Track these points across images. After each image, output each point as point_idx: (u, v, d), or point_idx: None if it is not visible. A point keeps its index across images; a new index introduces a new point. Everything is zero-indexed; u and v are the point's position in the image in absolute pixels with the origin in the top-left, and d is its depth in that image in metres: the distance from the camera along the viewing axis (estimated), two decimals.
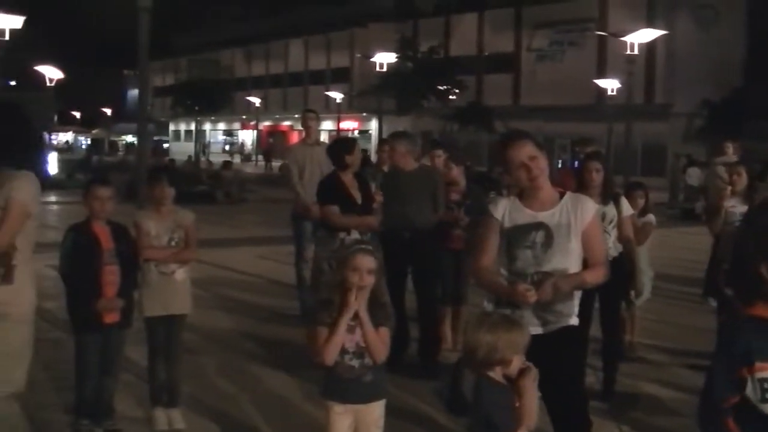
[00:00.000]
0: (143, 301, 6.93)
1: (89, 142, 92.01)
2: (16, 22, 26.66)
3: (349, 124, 69.92)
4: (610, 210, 7.86)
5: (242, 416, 7.37)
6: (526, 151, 5.03)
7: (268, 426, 7.10)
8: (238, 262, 15.75)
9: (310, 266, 10.87)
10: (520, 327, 4.47)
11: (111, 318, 6.59)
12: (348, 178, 8.94)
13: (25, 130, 5.50)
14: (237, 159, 66.64)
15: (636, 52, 32.36)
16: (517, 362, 4.41)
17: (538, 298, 4.81)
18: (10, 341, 5.23)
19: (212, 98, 68.97)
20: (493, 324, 4.41)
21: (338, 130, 61.52)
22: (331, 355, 4.94)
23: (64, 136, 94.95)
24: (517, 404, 4.40)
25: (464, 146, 44.22)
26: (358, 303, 4.91)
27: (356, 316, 4.93)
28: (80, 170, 42.02)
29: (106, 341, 6.70)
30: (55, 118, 68.40)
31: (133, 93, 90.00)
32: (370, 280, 4.95)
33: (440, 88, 55.37)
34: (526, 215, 5.08)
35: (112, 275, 6.57)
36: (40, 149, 5.19)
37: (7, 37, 26.36)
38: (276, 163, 53.46)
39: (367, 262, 4.96)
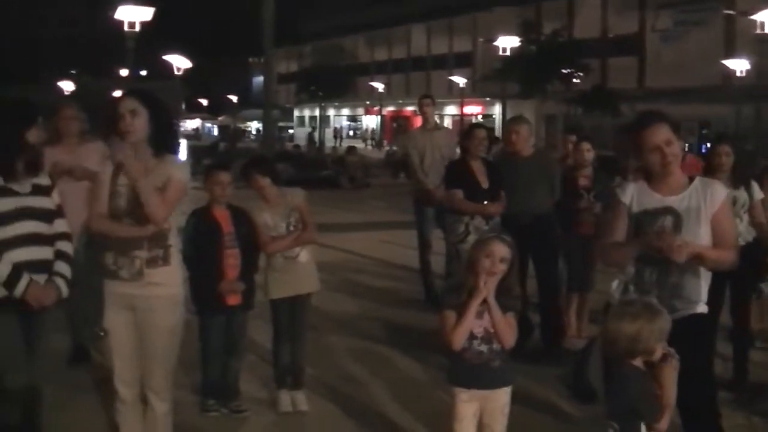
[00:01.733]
0: (268, 283, 7.03)
1: (217, 128, 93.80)
2: (146, 14, 27.37)
3: (473, 109, 69.47)
4: (741, 194, 7.65)
5: (366, 399, 7.41)
6: (662, 134, 4.90)
7: (391, 410, 7.11)
8: (361, 247, 15.85)
9: (433, 251, 10.89)
10: (661, 314, 4.37)
11: (233, 300, 6.77)
12: (476, 164, 8.91)
13: (171, 118, 5.69)
14: (367, 145, 66.81)
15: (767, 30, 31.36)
16: (660, 350, 4.35)
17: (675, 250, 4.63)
18: (171, 321, 5.40)
19: (336, 84, 69.49)
20: (636, 314, 4.33)
21: (461, 115, 61.23)
22: (459, 340, 4.93)
23: (192, 124, 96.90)
24: (658, 391, 4.34)
25: (589, 130, 43.54)
26: (488, 289, 4.89)
27: (485, 302, 4.91)
28: (208, 156, 42.93)
29: (230, 323, 6.88)
30: (183, 105, 69.89)
31: (259, 80, 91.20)
32: (501, 268, 4.93)
33: (564, 71, 54.56)
34: (654, 200, 4.97)
35: (233, 258, 6.74)
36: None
37: (137, 29, 27.06)
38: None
39: (502, 250, 4.95)
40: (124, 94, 5.39)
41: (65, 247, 5.31)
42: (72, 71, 72.40)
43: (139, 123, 5.22)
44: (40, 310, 5.16)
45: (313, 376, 7.66)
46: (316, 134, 72.21)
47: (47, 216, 5.26)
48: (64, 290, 5.23)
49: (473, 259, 5.00)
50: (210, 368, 6.92)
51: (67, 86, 63.63)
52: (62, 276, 5.23)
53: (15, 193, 5.16)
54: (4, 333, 5.14)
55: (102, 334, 5.45)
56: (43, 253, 5.20)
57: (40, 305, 5.11)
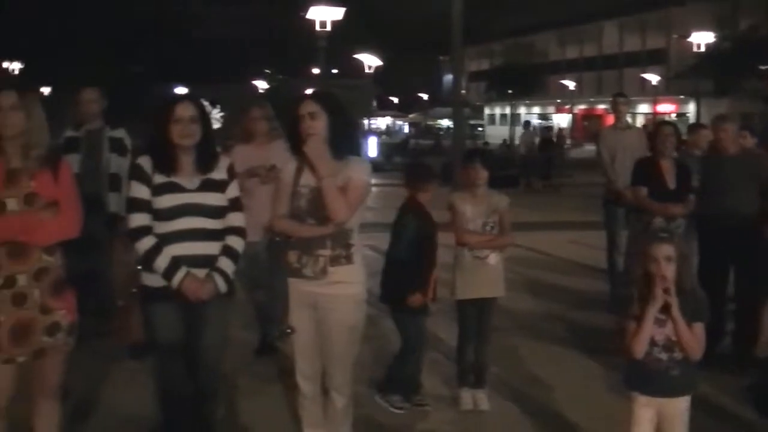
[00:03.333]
0: (456, 283, 7.06)
1: (407, 126, 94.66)
2: (336, 13, 27.88)
3: (666, 108, 67.77)
4: None
5: (546, 401, 7.33)
6: None
7: (571, 412, 7.01)
8: (549, 246, 15.69)
9: (622, 252, 10.65)
10: None
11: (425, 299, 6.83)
12: (666, 163, 8.68)
13: (350, 120, 5.76)
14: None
15: None
16: None
17: None
18: (353, 318, 5.48)
19: (526, 82, 69.05)
20: None
21: (654, 114, 59.85)
22: (639, 349, 4.80)
23: (383, 121, 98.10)
24: None
25: None
26: (664, 295, 4.72)
27: (666, 309, 4.76)
28: (398, 154, 43.40)
29: (423, 321, 6.94)
30: (374, 103, 70.88)
31: (449, 78, 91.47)
32: (670, 269, 4.74)
33: (761, 68, 52.43)
34: None
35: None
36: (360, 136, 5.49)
37: (329, 28, 27.59)
38: (589, 147, 52.75)
39: (664, 250, 4.76)
40: (304, 97, 5.47)
41: (234, 242, 5.42)
42: (266, 70, 74.50)
43: (318, 125, 5.31)
44: (198, 303, 5.28)
45: (495, 376, 7.65)
46: (506, 132, 71.90)
47: (216, 212, 5.37)
48: (222, 286, 5.32)
49: (643, 266, 4.83)
50: (405, 364, 6.99)
51: (261, 85, 65.53)
52: (222, 272, 5.33)
53: (181, 189, 5.31)
54: (163, 320, 5.36)
55: (289, 331, 5.54)
56: (207, 248, 5.32)
57: (196, 298, 5.24)
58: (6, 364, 4.74)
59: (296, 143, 5.40)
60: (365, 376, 7.22)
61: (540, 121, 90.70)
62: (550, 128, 44.81)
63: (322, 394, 5.69)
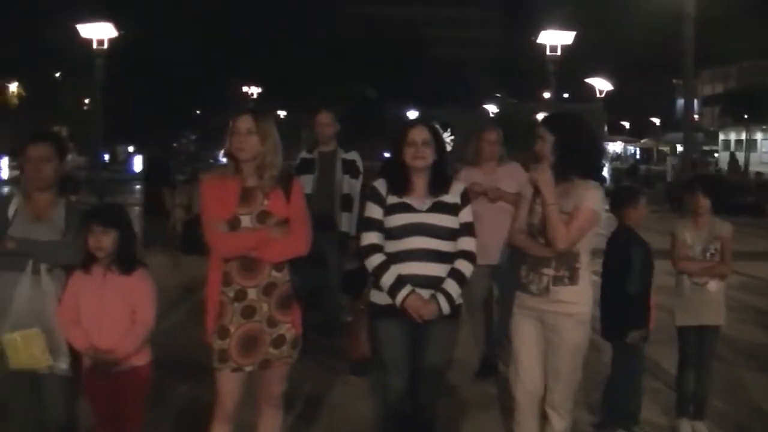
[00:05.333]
0: (676, 310, 6.99)
1: (638, 151, 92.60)
2: (567, 38, 27.74)
3: None
4: None
5: None
6: None
7: None
8: None
9: None
10: None
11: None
12: None
13: (593, 142, 5.74)
14: None
15: None
16: None
17: None
18: (577, 339, 5.48)
19: (763, 106, 66.24)
20: None
21: None
22: None
23: (614, 146, 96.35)
24: None
25: None
26: None
27: None
28: (628, 178, 42.66)
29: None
30: (605, 128, 69.80)
31: (682, 102, 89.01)
32: None
33: None
34: None
35: None
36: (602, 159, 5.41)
37: (559, 53, 27.48)
38: None
39: None
40: (538, 122, 5.57)
41: (462, 266, 5.46)
42: (497, 94, 74.66)
43: (545, 148, 5.41)
44: (423, 323, 5.37)
45: (717, 408, 7.44)
46: (741, 157, 69.26)
47: (446, 233, 5.45)
48: (445, 308, 5.36)
49: None
50: (620, 395, 6.90)
51: (492, 109, 65.74)
52: (447, 294, 5.38)
53: (413, 209, 5.45)
54: (388, 337, 5.49)
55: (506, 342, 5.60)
56: (434, 269, 5.40)
57: (419, 317, 5.33)
58: (234, 372, 5.03)
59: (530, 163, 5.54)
60: (584, 401, 7.18)
61: None
62: None
63: (540, 416, 5.68)
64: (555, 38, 27.62)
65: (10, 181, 34.77)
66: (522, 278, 5.54)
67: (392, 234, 5.45)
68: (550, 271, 5.41)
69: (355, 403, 7.49)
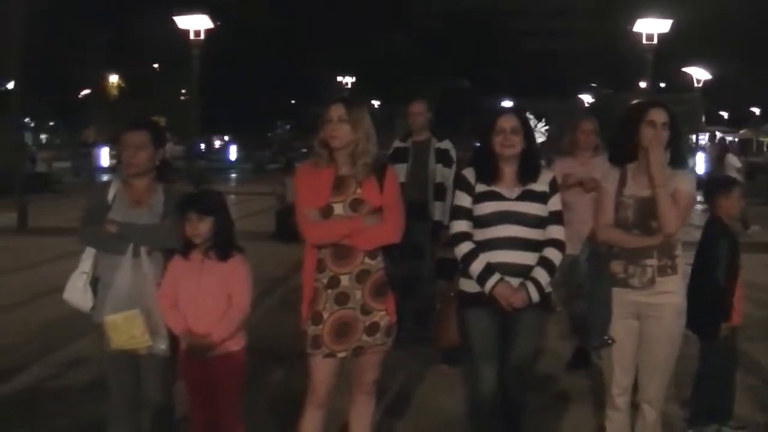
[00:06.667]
0: None
1: (737, 141, 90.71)
2: (664, 26, 27.30)
3: None
4: None
5: None
6: None
7: None
8: None
9: None
10: None
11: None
12: None
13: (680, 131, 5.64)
14: None
15: None
16: None
17: None
18: (675, 329, 5.43)
19: None
20: None
21: None
22: None
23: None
24: None
25: None
26: None
27: None
28: (714, 167, 41.79)
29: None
30: (703, 118, 68.51)
31: None
32: None
33: None
34: None
35: None
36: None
37: (655, 41, 27.06)
38: None
39: None
40: (654, 104, 5.47)
41: (552, 254, 5.41)
42: (592, 84, 73.89)
43: (666, 134, 5.34)
44: (512, 311, 5.35)
45: None
46: None
47: (535, 222, 5.41)
48: (535, 296, 5.32)
49: None
50: (712, 391, 6.79)
51: (587, 99, 65.11)
52: (536, 282, 5.34)
53: (501, 197, 5.43)
54: (477, 325, 5.49)
55: (610, 342, 5.52)
56: (523, 257, 5.36)
57: (508, 305, 5.31)
58: (327, 358, 5.09)
59: (629, 151, 5.44)
60: (675, 395, 7.10)
61: None
62: None
63: (632, 409, 5.64)
64: (651, 26, 27.22)
65: (110, 169, 35.55)
66: (619, 273, 5.42)
67: (481, 222, 5.42)
68: (653, 262, 5.32)
69: (447, 391, 7.51)
